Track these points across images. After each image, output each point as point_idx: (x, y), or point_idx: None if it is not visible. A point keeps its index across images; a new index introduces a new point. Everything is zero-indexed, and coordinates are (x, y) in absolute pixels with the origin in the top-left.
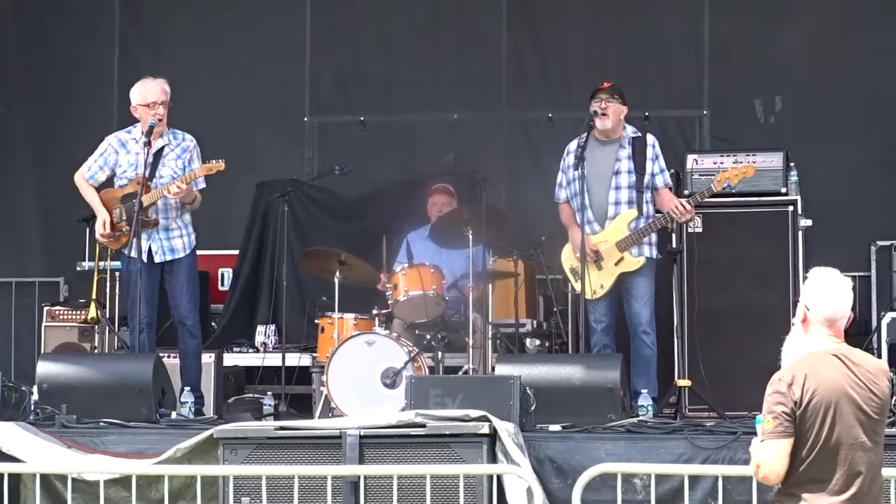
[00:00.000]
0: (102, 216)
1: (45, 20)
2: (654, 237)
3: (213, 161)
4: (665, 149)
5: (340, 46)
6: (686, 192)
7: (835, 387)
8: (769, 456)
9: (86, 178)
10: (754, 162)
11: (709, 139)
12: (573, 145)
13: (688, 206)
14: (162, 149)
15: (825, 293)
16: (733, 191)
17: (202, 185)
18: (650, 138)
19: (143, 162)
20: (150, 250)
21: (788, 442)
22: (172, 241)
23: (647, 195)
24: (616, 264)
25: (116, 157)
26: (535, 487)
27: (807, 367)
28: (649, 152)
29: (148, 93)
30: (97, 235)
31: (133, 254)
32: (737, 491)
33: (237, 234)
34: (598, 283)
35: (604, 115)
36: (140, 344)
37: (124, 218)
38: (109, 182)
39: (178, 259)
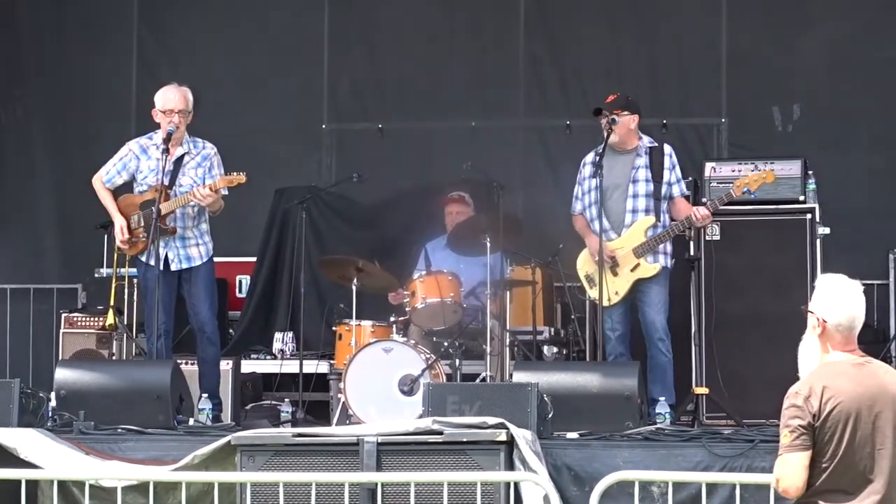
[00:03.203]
0: (119, 222)
1: (63, 26)
2: (668, 247)
3: (235, 173)
4: (683, 157)
5: (358, 53)
6: (704, 199)
7: (854, 396)
8: (788, 470)
9: (103, 181)
10: (772, 170)
11: (727, 147)
12: (590, 157)
13: (706, 212)
14: (182, 157)
15: (842, 303)
16: (753, 196)
17: (224, 192)
18: (667, 148)
19: (162, 169)
20: (166, 258)
21: (806, 455)
22: (189, 250)
23: (664, 205)
24: (632, 270)
25: (137, 163)
26: (553, 495)
27: (824, 379)
28: (666, 162)
29: (167, 100)
30: (117, 242)
31: (151, 261)
32: (755, 499)
33: (255, 241)
34: (613, 289)
35: (610, 130)
36: (157, 351)
37: (142, 224)
38: (129, 187)
39: (196, 267)
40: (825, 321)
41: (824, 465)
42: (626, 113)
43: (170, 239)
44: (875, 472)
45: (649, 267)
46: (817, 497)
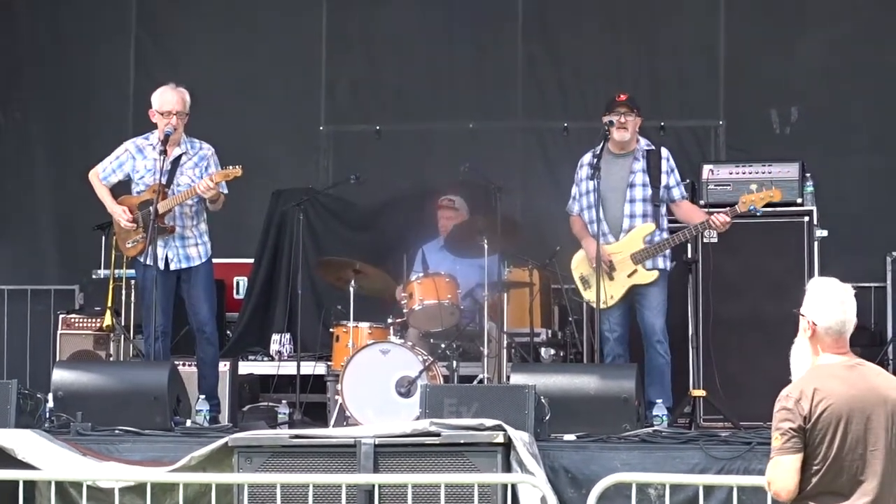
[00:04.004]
0: (119, 208)
1: (61, 28)
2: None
3: (231, 167)
4: (680, 159)
5: (356, 55)
6: (701, 202)
7: (845, 399)
8: (779, 472)
9: (100, 177)
10: (770, 172)
11: (724, 149)
12: (587, 158)
13: (726, 219)
14: (179, 157)
15: (832, 306)
16: (758, 214)
17: (224, 191)
18: (664, 151)
19: (160, 169)
20: (165, 258)
21: (798, 457)
22: (188, 250)
23: (663, 209)
24: (629, 276)
25: (133, 162)
26: (550, 497)
27: (815, 381)
28: (664, 165)
29: (164, 101)
30: (124, 224)
31: (149, 261)
32: (752, 501)
33: (252, 243)
34: (609, 293)
35: (622, 128)
36: (155, 352)
37: (141, 225)
38: (127, 188)
39: (195, 267)
40: (815, 324)
41: (816, 468)
42: (636, 113)
43: (169, 238)
44: (867, 473)
45: (646, 273)
46: (810, 500)
